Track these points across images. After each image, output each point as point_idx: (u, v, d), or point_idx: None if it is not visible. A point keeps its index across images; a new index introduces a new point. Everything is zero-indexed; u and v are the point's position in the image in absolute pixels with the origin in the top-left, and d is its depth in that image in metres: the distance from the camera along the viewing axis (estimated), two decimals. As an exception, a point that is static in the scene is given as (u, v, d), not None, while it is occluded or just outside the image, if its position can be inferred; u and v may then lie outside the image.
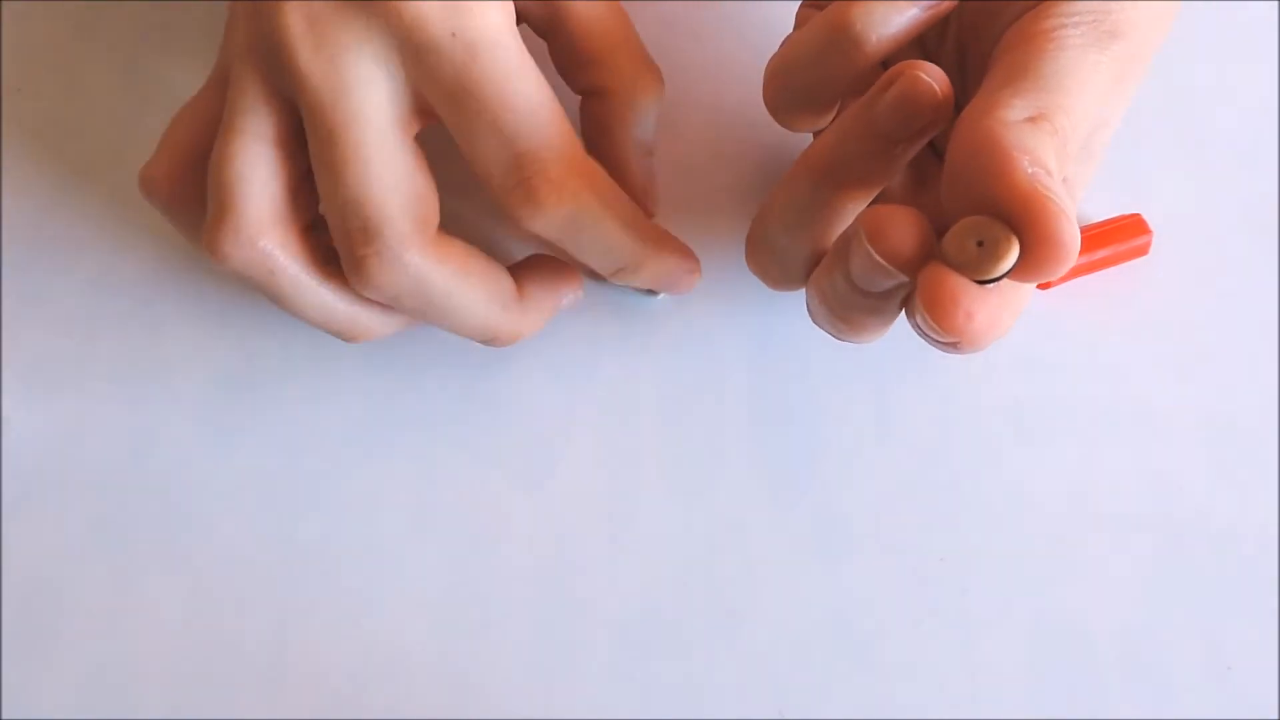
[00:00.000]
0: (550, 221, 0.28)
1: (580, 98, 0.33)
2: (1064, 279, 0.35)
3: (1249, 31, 0.39)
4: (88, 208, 0.36)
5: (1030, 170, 0.23)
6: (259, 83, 0.28)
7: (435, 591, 0.32)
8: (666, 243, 0.32)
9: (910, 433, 0.34)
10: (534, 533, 0.33)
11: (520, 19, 0.32)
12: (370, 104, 0.27)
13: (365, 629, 0.32)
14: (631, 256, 0.31)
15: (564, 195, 0.28)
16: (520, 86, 0.27)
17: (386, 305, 0.30)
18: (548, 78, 0.30)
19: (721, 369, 0.34)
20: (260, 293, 0.30)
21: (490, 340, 0.32)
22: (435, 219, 0.29)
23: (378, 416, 0.34)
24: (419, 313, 0.30)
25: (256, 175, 0.28)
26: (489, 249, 0.32)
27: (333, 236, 0.29)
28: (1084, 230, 0.35)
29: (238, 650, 0.32)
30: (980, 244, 0.23)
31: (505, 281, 0.31)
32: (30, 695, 0.31)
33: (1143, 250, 0.35)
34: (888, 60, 0.28)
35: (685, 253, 0.33)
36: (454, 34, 0.27)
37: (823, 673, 0.31)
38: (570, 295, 0.33)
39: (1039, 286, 0.35)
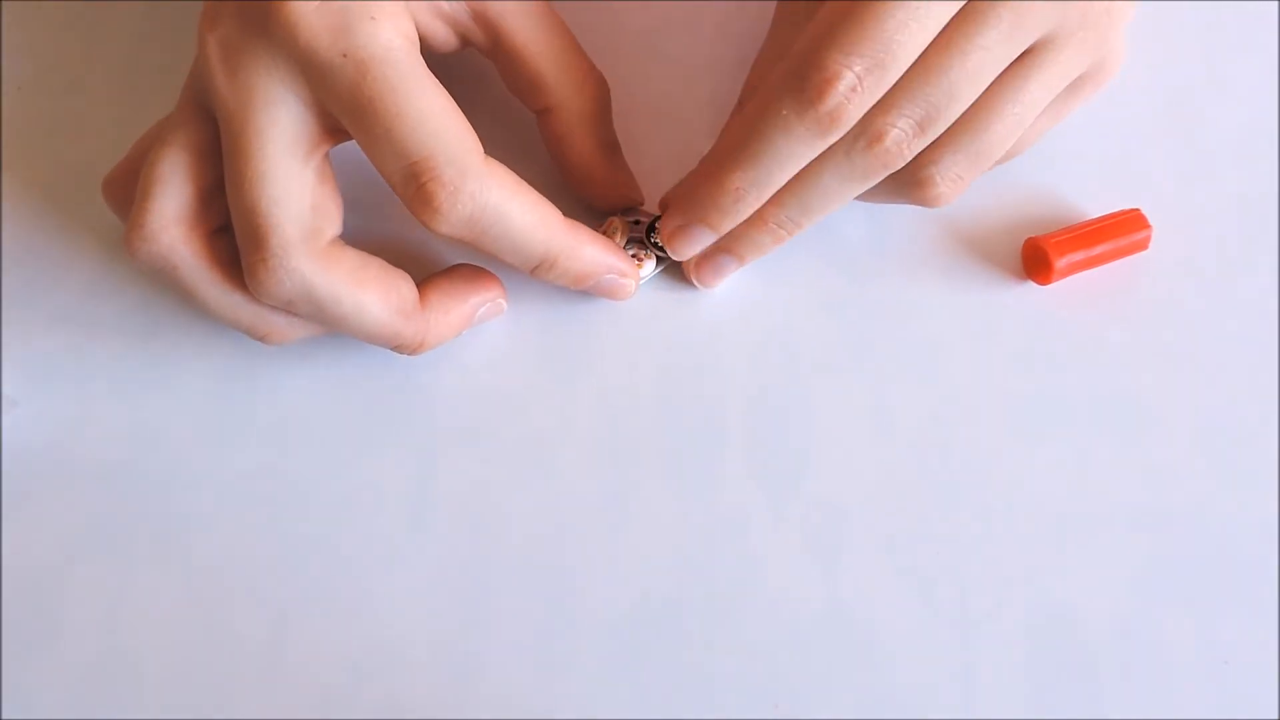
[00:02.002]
0: (451, 224, 0.29)
1: (536, 115, 0.35)
2: (1064, 274, 0.35)
3: (1248, 29, 0.39)
4: (88, 208, 0.36)
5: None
6: (192, 102, 0.31)
7: (433, 588, 0.32)
8: (587, 241, 0.32)
9: (908, 429, 0.34)
10: (532, 530, 0.33)
11: (466, 44, 0.33)
12: (274, 122, 0.29)
13: (364, 625, 0.32)
14: (543, 252, 0.31)
15: (459, 198, 0.29)
16: (412, 98, 0.29)
17: (285, 309, 0.32)
18: (500, 100, 0.32)
19: (721, 367, 0.34)
20: (170, 288, 0.33)
21: (397, 346, 0.32)
22: (330, 230, 0.31)
23: (376, 415, 0.34)
24: (314, 317, 0.31)
25: (172, 180, 0.30)
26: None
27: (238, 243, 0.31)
28: (1083, 225, 0.35)
29: (236, 647, 0.32)
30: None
31: (405, 289, 0.32)
32: (30, 693, 0.31)
33: (1142, 245, 0.35)
34: None
35: (611, 253, 0.33)
36: (344, 54, 0.28)
37: (819, 669, 0.31)
38: (487, 304, 0.34)
39: (1040, 282, 0.35)
